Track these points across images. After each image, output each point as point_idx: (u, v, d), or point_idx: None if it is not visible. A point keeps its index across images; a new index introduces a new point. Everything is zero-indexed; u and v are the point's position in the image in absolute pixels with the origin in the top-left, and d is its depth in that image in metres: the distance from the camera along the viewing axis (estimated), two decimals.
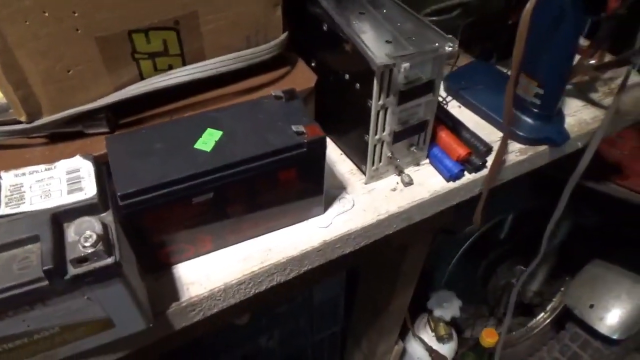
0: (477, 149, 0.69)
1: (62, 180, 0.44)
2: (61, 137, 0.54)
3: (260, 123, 0.53)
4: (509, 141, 0.73)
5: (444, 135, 0.68)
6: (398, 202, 0.64)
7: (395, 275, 0.99)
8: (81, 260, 0.40)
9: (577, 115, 0.78)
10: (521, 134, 0.71)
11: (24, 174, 0.45)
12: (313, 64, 0.66)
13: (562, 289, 1.63)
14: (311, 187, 0.57)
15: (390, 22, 0.58)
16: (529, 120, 0.72)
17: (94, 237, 0.40)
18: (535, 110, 0.71)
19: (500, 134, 0.74)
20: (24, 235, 0.40)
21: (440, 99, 0.79)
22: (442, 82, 0.79)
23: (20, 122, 0.50)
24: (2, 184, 0.44)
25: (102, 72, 0.50)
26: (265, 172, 0.51)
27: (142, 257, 0.53)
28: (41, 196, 0.43)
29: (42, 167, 0.45)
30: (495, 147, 0.69)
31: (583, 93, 0.83)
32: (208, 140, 0.51)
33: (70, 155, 0.52)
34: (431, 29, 0.56)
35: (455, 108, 0.79)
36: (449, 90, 0.80)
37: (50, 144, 0.54)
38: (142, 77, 0.53)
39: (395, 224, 0.65)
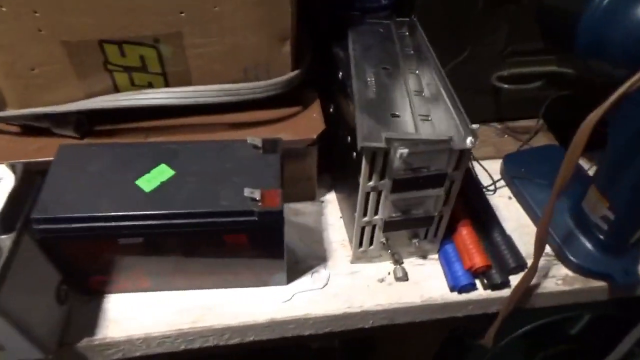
0: (503, 262, 0.54)
1: None
2: (32, 131, 0.51)
3: (219, 172, 0.45)
4: (555, 263, 0.57)
5: (465, 233, 0.54)
6: (379, 297, 0.53)
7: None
8: None
9: None
10: (573, 259, 0.55)
11: None
12: (331, 110, 0.57)
13: None
14: (268, 255, 0.49)
15: (414, 88, 0.46)
16: (588, 245, 0.55)
17: None
18: (600, 236, 0.54)
19: (548, 248, 0.58)
20: None
21: (488, 181, 0.65)
22: (502, 162, 0.65)
23: None
24: None
25: (71, 76, 0.46)
26: (205, 231, 0.44)
27: (70, 279, 0.49)
28: None
29: None
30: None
31: None
32: (154, 178, 0.44)
33: (34, 151, 0.49)
34: (458, 110, 0.44)
35: (503, 198, 0.64)
36: (503, 174, 0.66)
37: (20, 135, 0.51)
38: (117, 89, 0.49)
39: (372, 319, 0.54)
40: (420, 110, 0.44)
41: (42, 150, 0.49)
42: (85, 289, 0.51)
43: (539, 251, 0.48)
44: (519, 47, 0.62)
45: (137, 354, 0.52)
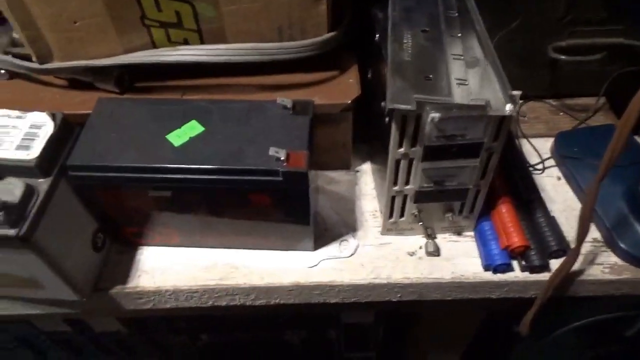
0: (544, 243, 0.51)
1: (20, 133, 0.43)
2: (78, 85, 0.53)
3: (248, 131, 0.45)
4: (604, 250, 0.53)
5: (505, 211, 0.51)
6: (408, 271, 0.51)
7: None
8: None
9: None
10: (624, 246, 0.51)
11: None
12: (369, 75, 0.55)
13: None
14: (294, 219, 0.48)
15: (454, 52, 0.43)
16: None
17: None
18: None
19: (597, 234, 0.54)
20: None
21: (536, 160, 0.61)
22: (554, 141, 0.61)
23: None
24: None
25: (110, 30, 0.47)
26: (230, 188, 0.44)
27: (106, 228, 0.51)
28: None
29: (16, 113, 0.45)
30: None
31: None
32: (184, 133, 0.45)
33: (77, 104, 0.52)
34: (499, 76, 0.40)
35: (551, 178, 0.60)
36: (554, 153, 0.61)
37: (67, 88, 0.54)
38: (154, 45, 0.49)
39: (399, 293, 0.53)
40: (458, 74, 0.41)
41: (85, 103, 0.51)
42: (119, 238, 0.53)
43: (582, 233, 0.45)
44: (580, 14, 0.56)
45: (167, 305, 0.53)
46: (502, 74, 0.40)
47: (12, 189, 0.40)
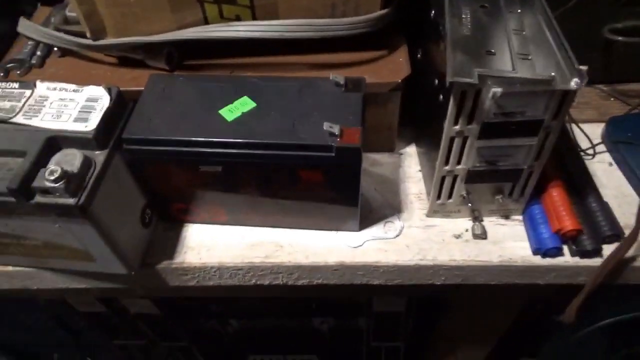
0: (597, 228, 0.49)
1: (78, 106, 0.44)
2: (128, 62, 0.54)
3: (300, 107, 0.45)
4: None
5: (556, 195, 0.50)
6: (454, 253, 0.51)
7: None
8: (45, 191, 0.39)
9: None
10: None
11: (54, 89, 0.45)
12: (419, 55, 0.54)
13: None
14: (343, 198, 0.48)
15: (514, 27, 0.42)
16: None
17: (58, 172, 0.38)
18: None
19: None
20: (17, 148, 0.41)
21: (586, 144, 0.59)
22: (605, 126, 0.59)
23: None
24: (34, 93, 0.45)
25: (165, 7, 0.47)
26: (281, 164, 0.44)
27: (154, 204, 0.52)
28: (53, 115, 0.43)
29: (73, 87, 0.45)
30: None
31: None
32: (237, 109, 0.45)
33: (129, 80, 0.52)
34: (563, 50, 0.39)
35: (602, 164, 0.58)
36: (605, 138, 0.59)
37: (117, 66, 0.54)
38: (206, 22, 0.49)
39: (444, 276, 0.52)
40: (520, 49, 0.40)
41: (136, 79, 0.52)
42: (166, 215, 0.53)
43: None
44: None
45: (211, 283, 0.54)
46: (567, 47, 0.39)
47: (71, 160, 0.40)
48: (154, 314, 0.81)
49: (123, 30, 0.49)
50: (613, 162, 0.58)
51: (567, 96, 0.39)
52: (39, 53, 0.55)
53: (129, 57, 0.53)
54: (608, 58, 0.62)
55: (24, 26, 0.54)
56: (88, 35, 0.50)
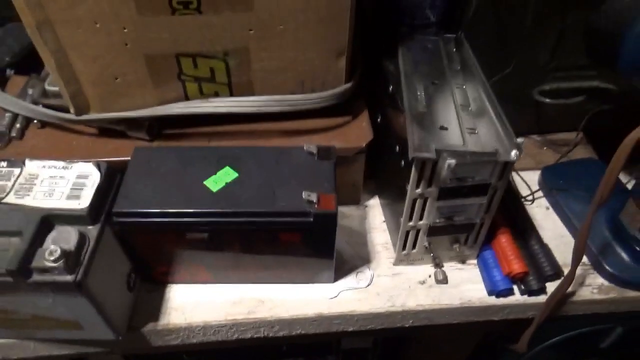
0: (541, 269, 0.57)
1: (69, 183, 0.46)
2: (108, 133, 0.56)
3: (278, 176, 0.49)
4: (591, 272, 0.59)
5: (504, 241, 0.57)
6: (420, 298, 0.56)
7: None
8: (44, 270, 0.41)
9: None
10: (609, 269, 0.57)
11: (44, 167, 0.47)
12: (379, 120, 0.60)
13: None
14: (319, 254, 0.53)
15: (461, 102, 0.49)
16: (624, 256, 0.57)
17: (58, 252, 0.40)
18: (637, 247, 0.56)
19: (585, 258, 0.60)
20: (11, 228, 0.43)
21: (526, 192, 0.67)
22: (540, 174, 0.68)
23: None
24: (23, 171, 0.47)
25: (148, 85, 0.51)
26: (264, 229, 0.48)
27: (138, 269, 0.54)
28: (45, 193, 0.45)
29: (62, 164, 0.48)
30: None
31: None
32: (220, 179, 0.49)
33: (110, 151, 0.55)
34: (503, 124, 0.47)
35: (540, 209, 0.66)
36: (541, 185, 0.68)
37: (98, 136, 0.57)
38: (187, 97, 0.53)
39: (412, 319, 0.57)
40: (467, 123, 0.47)
41: (118, 150, 0.54)
42: (150, 279, 0.56)
43: (576, 260, 0.51)
44: (562, 62, 0.64)
45: (194, 340, 0.56)
46: (506, 123, 0.46)
47: (67, 237, 0.43)
48: None
49: (107, 106, 0.52)
50: (550, 207, 0.66)
51: (509, 163, 0.46)
52: (18, 125, 0.56)
53: (109, 128, 0.56)
54: (539, 113, 0.71)
55: (2, 99, 0.56)
56: (72, 111, 0.52)
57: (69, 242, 0.42)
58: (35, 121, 0.57)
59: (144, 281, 0.56)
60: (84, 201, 0.45)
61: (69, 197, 0.45)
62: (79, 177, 0.47)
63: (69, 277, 0.41)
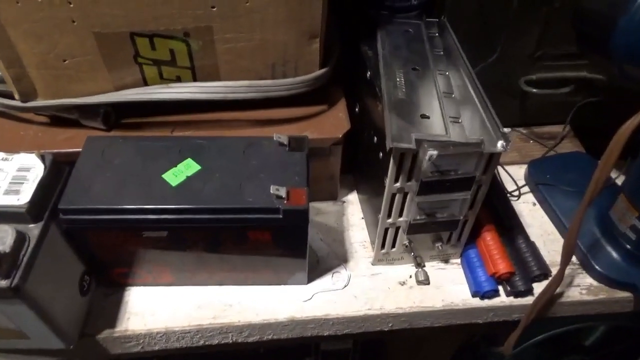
0: (528, 269, 0.53)
1: (7, 177, 0.41)
2: (61, 122, 0.51)
3: (245, 169, 0.45)
4: (580, 272, 0.56)
5: (489, 239, 0.54)
6: (400, 300, 0.52)
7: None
8: None
9: None
10: (598, 268, 0.54)
11: None
12: (357, 109, 0.56)
13: None
14: (291, 253, 0.48)
15: (444, 89, 0.46)
16: (614, 255, 0.54)
17: None
18: (627, 246, 0.53)
19: (573, 257, 0.57)
20: None
21: (512, 187, 0.64)
22: (526, 168, 0.64)
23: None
24: None
25: (101, 68, 0.46)
26: (230, 227, 0.44)
27: (93, 270, 0.49)
28: None
29: (1, 155, 0.43)
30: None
31: None
32: (181, 172, 0.44)
33: (62, 142, 0.50)
34: (489, 113, 0.43)
35: (527, 204, 0.63)
36: (528, 180, 0.64)
37: (49, 125, 0.52)
38: (145, 83, 0.49)
39: (391, 322, 0.54)
40: (450, 112, 0.43)
41: (71, 140, 0.50)
42: (107, 280, 0.51)
43: (565, 260, 0.47)
44: (550, 50, 0.61)
45: (157, 347, 0.52)
46: (492, 112, 0.43)
47: (3, 237, 0.38)
48: None
49: (56, 92, 0.47)
50: (536, 202, 0.63)
51: (494, 155, 0.43)
52: None
53: (62, 117, 0.51)
54: (525, 105, 0.68)
55: None
56: (16, 97, 0.47)
57: (4, 243, 0.37)
58: None
59: (101, 283, 0.51)
60: (24, 197, 0.40)
61: (7, 192, 0.40)
62: (20, 169, 0.42)
63: (3, 282, 0.37)
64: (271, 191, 0.42)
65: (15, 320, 0.42)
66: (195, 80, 0.49)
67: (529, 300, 0.53)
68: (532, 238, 0.57)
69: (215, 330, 0.51)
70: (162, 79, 0.49)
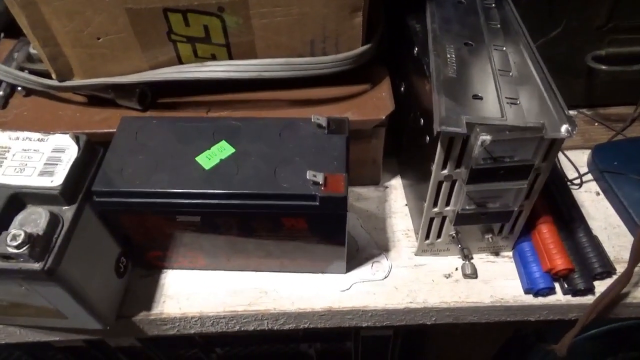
0: (588, 266, 0.48)
1: (43, 157, 0.41)
2: (98, 101, 0.51)
3: (282, 152, 0.43)
4: None
5: (545, 231, 0.49)
6: (445, 294, 0.49)
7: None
8: (6, 257, 0.36)
9: None
10: None
11: (17, 138, 0.42)
12: (402, 89, 0.52)
13: None
14: (328, 242, 0.46)
15: (500, 67, 0.41)
16: None
17: (21, 237, 0.35)
18: None
19: None
20: None
21: (573, 174, 0.58)
22: (590, 153, 0.59)
23: None
24: None
25: (135, 46, 0.45)
26: (264, 213, 0.42)
27: (129, 252, 0.49)
28: (16, 169, 0.40)
29: (37, 135, 0.42)
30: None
31: None
32: (215, 155, 0.42)
33: (99, 122, 0.49)
34: (552, 94, 0.38)
35: (589, 194, 0.57)
36: (591, 167, 0.59)
37: (86, 105, 0.51)
38: (180, 61, 0.47)
39: (435, 317, 0.51)
40: (507, 92, 0.39)
41: (107, 121, 0.49)
42: (143, 263, 0.51)
43: (636, 258, 0.42)
44: (622, 22, 0.54)
45: (192, 331, 0.51)
46: (556, 92, 0.38)
47: (36, 219, 0.37)
48: (134, 346, 0.77)
49: (91, 71, 0.46)
50: (600, 192, 0.57)
51: (557, 141, 0.38)
52: (1, 93, 0.51)
53: (99, 96, 0.50)
54: (591, 84, 0.62)
55: None
56: (53, 76, 0.47)
57: (38, 225, 0.37)
58: (19, 88, 0.51)
59: (137, 266, 0.51)
60: (58, 178, 0.39)
61: (42, 174, 0.40)
62: (54, 150, 0.41)
63: (36, 265, 0.36)
64: (307, 177, 0.40)
65: (52, 301, 0.42)
66: (230, 58, 0.47)
67: (589, 299, 0.49)
68: (595, 231, 0.52)
69: (250, 317, 0.49)
70: (197, 57, 0.47)
